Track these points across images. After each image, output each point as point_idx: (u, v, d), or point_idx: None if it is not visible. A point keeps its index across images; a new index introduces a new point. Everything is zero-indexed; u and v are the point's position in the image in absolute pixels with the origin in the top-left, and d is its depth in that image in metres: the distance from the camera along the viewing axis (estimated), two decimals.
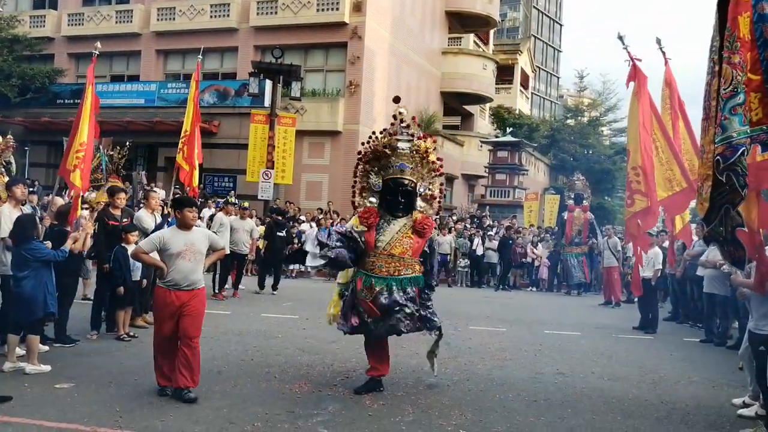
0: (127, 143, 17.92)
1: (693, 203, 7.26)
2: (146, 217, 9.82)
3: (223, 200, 18.06)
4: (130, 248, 8.83)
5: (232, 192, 23.61)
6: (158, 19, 28.50)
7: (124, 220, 9.22)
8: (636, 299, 13.41)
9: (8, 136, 14.71)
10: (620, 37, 7.31)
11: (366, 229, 6.51)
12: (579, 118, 49.50)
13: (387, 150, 6.60)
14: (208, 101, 25.56)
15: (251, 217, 14.34)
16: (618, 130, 51.06)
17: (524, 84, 53.11)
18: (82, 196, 9.94)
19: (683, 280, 13.08)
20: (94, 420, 5.39)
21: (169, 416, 5.60)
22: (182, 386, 5.98)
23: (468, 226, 22.93)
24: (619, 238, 17.38)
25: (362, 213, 6.64)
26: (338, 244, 6.44)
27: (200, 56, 13.62)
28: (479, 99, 38.39)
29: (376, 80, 25.79)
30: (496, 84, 40.51)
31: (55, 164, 28.02)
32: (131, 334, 8.89)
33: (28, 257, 6.75)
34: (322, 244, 6.42)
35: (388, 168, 6.64)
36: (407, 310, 6.42)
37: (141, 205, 11.69)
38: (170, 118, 24.63)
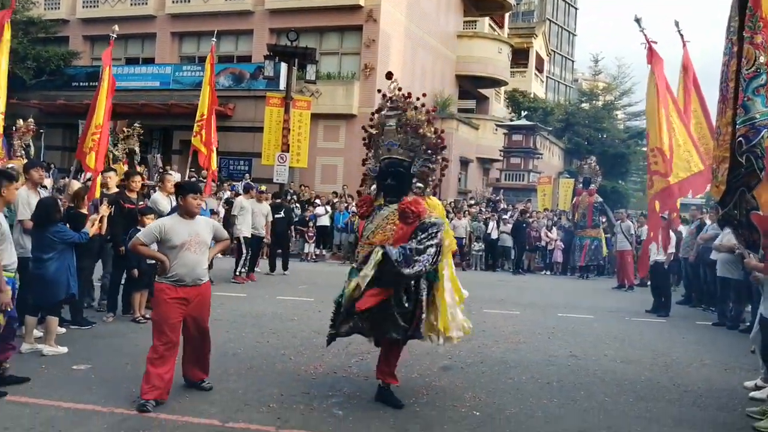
0: (137, 125, 18.02)
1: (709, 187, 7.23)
2: (162, 200, 9.89)
3: (242, 185, 18.09)
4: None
5: (247, 175, 23.69)
6: (173, 2, 28.53)
7: (140, 203, 9.29)
8: (649, 283, 13.40)
9: (29, 120, 14.90)
10: (637, 20, 7.24)
11: (362, 218, 5.97)
12: (594, 101, 49.13)
13: (372, 130, 6.05)
14: (223, 84, 25.59)
15: (267, 200, 14.39)
16: (633, 114, 50.67)
17: (539, 68, 52.71)
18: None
19: (696, 263, 13.04)
20: (111, 401, 5.47)
21: (185, 397, 5.68)
22: (197, 378, 5.85)
23: (483, 209, 22.91)
24: (632, 221, 17.35)
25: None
26: None
27: (214, 39, 13.63)
28: (494, 83, 38.22)
29: (391, 63, 25.69)
30: (511, 67, 40.28)
31: (70, 147, 28.20)
32: (147, 316, 8.95)
33: (54, 240, 6.84)
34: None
35: (378, 149, 5.98)
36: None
37: (156, 188, 11.76)
38: (185, 100, 24.69)
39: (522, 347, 8.57)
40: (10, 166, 8.61)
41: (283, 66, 22.23)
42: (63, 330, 7.73)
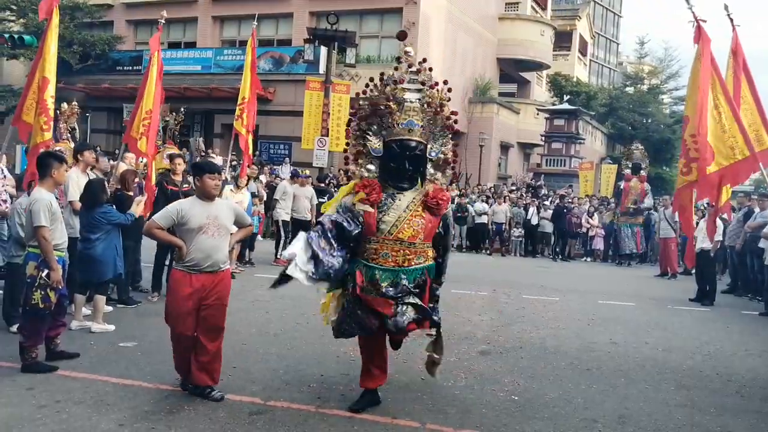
0: (182, 109, 18.26)
1: (756, 175, 7.04)
2: None
3: (281, 168, 18.22)
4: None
5: (287, 159, 23.85)
6: None
7: (185, 185, 9.44)
8: (693, 271, 13.17)
9: (73, 103, 15.18)
10: None
11: (369, 207, 5.00)
12: (639, 85, 48.17)
13: (391, 103, 5.06)
14: (263, 68, 25.73)
15: (310, 184, 14.45)
16: (679, 98, 49.44)
17: (583, 50, 51.83)
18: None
19: (743, 252, 12.77)
20: (157, 378, 5.63)
21: (227, 375, 5.77)
22: (204, 384, 5.20)
23: (523, 194, 22.72)
24: None
25: (360, 186, 5.07)
26: (336, 254, 5.04)
27: (255, 23, 13.68)
28: (536, 66, 37.77)
29: (431, 46, 25.54)
30: (554, 50, 39.75)
31: (115, 130, 28.79)
32: None
33: (102, 220, 7.02)
34: (316, 260, 4.98)
35: (391, 127, 5.08)
36: (410, 300, 4.98)
37: None
38: (226, 84, 24.94)
39: (561, 333, 8.52)
40: (57, 149, 8.80)
41: (323, 50, 22.26)
42: (110, 308, 7.93)
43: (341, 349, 6.82)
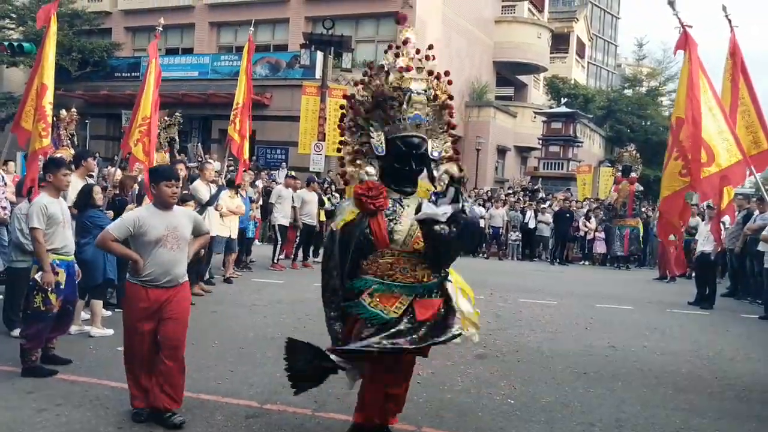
0: (177, 114, 18.27)
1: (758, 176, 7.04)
2: (202, 188, 10.06)
3: (279, 173, 18.20)
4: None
5: (284, 164, 23.86)
6: None
7: (184, 191, 9.45)
8: (693, 274, 13.17)
9: (72, 110, 15.21)
10: (670, 3, 7.04)
11: (373, 214, 4.21)
12: (637, 88, 48.17)
13: (397, 94, 4.34)
14: (260, 73, 25.77)
15: (315, 190, 14.39)
16: None
17: (580, 53, 51.89)
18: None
19: (742, 255, 12.76)
20: None
21: (225, 379, 5.81)
22: (163, 407, 4.74)
23: (520, 198, 22.74)
24: None
25: (361, 190, 4.26)
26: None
27: (252, 29, 13.71)
28: (533, 69, 37.82)
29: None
30: (551, 53, 39.77)
31: (113, 137, 28.82)
32: None
33: (88, 224, 7.04)
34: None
35: (395, 121, 4.36)
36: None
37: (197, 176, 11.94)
38: (223, 90, 24.96)
39: (559, 337, 8.52)
40: (58, 155, 8.84)
41: (319, 54, 22.30)
42: (109, 313, 7.93)
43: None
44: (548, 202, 21.69)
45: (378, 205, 4.20)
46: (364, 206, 4.21)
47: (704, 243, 12.13)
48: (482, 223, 19.46)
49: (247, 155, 12.18)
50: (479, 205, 20.29)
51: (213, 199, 10.12)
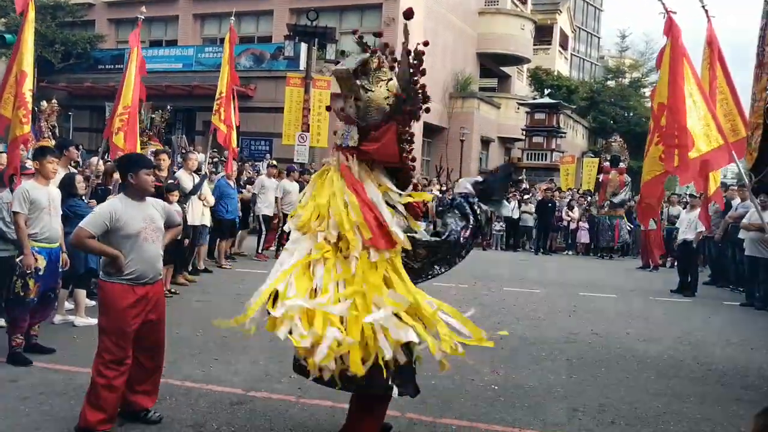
0: (168, 107, 18.18)
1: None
2: (185, 177, 10.02)
3: (263, 165, 18.14)
4: (172, 207, 9.02)
5: (268, 155, 23.79)
6: None
7: (171, 181, 9.42)
8: (675, 263, 13.29)
9: (53, 101, 15.07)
10: None
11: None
12: (620, 79, 48.46)
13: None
14: (244, 65, 25.64)
15: (296, 180, 14.35)
16: None
17: (563, 45, 52.07)
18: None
19: (723, 243, 12.89)
20: None
21: (209, 366, 5.83)
22: (139, 407, 4.56)
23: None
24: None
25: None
26: None
27: (233, 18, 13.61)
28: (517, 60, 37.87)
29: (411, 42, 25.48)
30: (534, 45, 39.87)
31: (97, 129, 28.57)
32: (173, 290, 9.14)
33: (69, 213, 6.98)
34: None
35: None
36: None
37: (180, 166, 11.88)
38: (208, 82, 24.77)
39: (542, 324, 8.58)
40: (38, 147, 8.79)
41: (303, 46, 22.22)
42: (93, 303, 7.87)
43: None
44: (532, 193, 21.77)
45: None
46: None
47: (686, 231, 12.25)
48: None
49: (235, 144, 12.13)
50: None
51: (196, 189, 10.08)
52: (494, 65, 37.36)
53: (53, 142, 11.92)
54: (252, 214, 14.04)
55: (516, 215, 19.69)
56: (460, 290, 10.76)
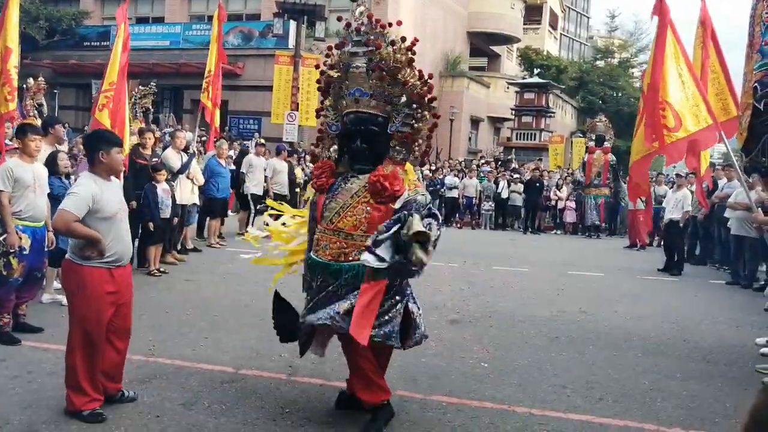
0: (153, 84, 18.00)
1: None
2: (173, 156, 9.95)
3: (252, 143, 18.05)
4: (160, 186, 9.00)
5: (257, 134, 23.67)
6: None
7: (154, 159, 9.35)
8: (662, 242, 13.37)
9: (39, 79, 14.88)
10: None
11: (321, 191, 4.41)
12: (609, 59, 48.43)
13: (333, 72, 4.50)
14: (232, 43, 25.42)
15: (286, 160, 14.27)
16: None
17: (553, 24, 51.92)
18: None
19: (711, 222, 12.97)
20: (129, 349, 5.57)
21: (199, 345, 5.82)
22: (114, 392, 4.48)
23: (491, 169, 22.82)
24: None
25: (313, 170, 4.60)
26: None
27: None
28: (506, 39, 37.76)
29: (401, 21, 25.37)
30: (524, 24, 39.76)
31: (83, 107, 28.34)
32: (161, 269, 9.12)
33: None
34: None
35: (342, 99, 4.44)
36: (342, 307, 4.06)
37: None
38: (195, 60, 24.61)
39: (531, 303, 8.62)
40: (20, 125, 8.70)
41: (292, 24, 22.04)
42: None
43: None
44: (520, 173, 21.79)
45: (319, 184, 4.38)
46: (313, 184, 4.49)
47: (672, 211, 12.32)
48: (455, 193, 19.58)
49: (218, 123, 12.05)
50: (454, 175, 20.34)
51: (184, 168, 10.01)
52: (484, 44, 37.22)
53: (39, 121, 11.82)
54: (240, 194, 13.98)
55: (505, 195, 19.73)
56: (449, 269, 10.79)
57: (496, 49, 39.36)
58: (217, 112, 11.66)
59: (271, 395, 4.80)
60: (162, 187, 9.09)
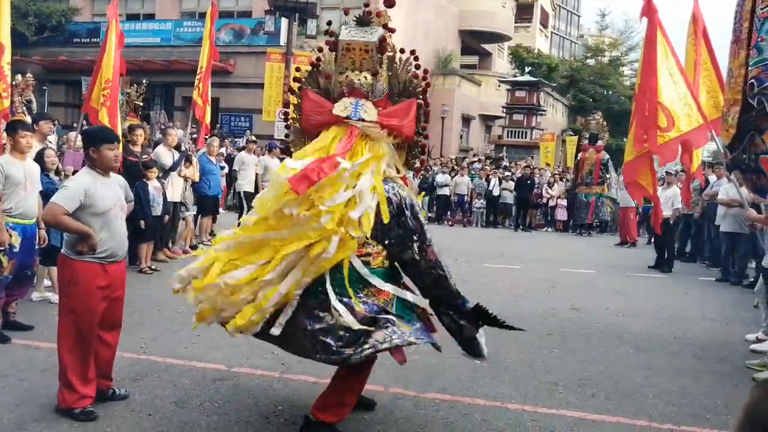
0: (144, 81, 17.92)
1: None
2: (164, 153, 9.91)
3: (243, 141, 18.04)
4: (151, 184, 8.96)
5: (248, 131, 23.62)
6: None
7: (144, 156, 9.30)
8: (652, 239, 13.42)
9: (27, 75, 14.78)
10: None
11: None
12: (599, 57, 48.57)
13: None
14: (224, 40, 25.31)
15: (277, 156, 14.25)
16: None
17: (544, 23, 52.01)
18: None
19: (702, 219, 13.02)
20: (120, 347, 5.50)
21: (192, 343, 5.80)
22: (106, 389, 4.50)
23: (482, 166, 22.86)
24: None
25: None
26: None
27: None
28: (498, 38, 37.81)
29: (393, 18, 25.26)
30: (515, 22, 39.84)
31: (73, 104, 28.16)
32: (153, 267, 9.09)
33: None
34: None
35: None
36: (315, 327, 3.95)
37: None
38: (186, 57, 24.50)
39: (522, 300, 8.65)
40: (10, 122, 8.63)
41: (284, 21, 21.98)
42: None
43: None
44: (511, 171, 21.83)
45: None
46: None
47: (663, 208, 12.34)
48: (447, 191, 19.59)
49: (208, 120, 12.00)
50: (445, 173, 20.35)
51: (176, 165, 9.97)
52: (475, 42, 37.25)
53: (29, 118, 11.74)
54: (232, 191, 13.97)
55: (496, 192, 19.76)
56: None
57: (487, 47, 39.41)
58: (208, 109, 11.61)
59: (263, 393, 4.80)
60: (153, 185, 9.05)
